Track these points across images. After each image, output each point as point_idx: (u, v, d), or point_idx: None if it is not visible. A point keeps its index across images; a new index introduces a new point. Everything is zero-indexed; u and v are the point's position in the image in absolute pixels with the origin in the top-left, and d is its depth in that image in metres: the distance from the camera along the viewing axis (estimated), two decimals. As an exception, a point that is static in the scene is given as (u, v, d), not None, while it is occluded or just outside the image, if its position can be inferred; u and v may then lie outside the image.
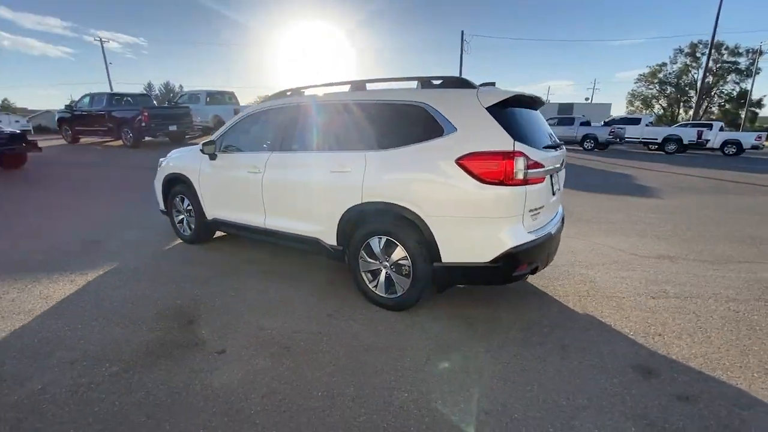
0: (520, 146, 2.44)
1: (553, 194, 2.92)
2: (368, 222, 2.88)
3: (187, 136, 14.85)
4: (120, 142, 13.80)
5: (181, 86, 73.15)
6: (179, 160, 4.35)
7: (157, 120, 12.74)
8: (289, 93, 3.58)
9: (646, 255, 4.17)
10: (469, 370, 2.25)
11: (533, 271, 2.66)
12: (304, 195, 3.23)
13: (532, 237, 2.56)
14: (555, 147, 2.97)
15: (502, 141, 2.44)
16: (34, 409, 1.90)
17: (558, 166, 2.94)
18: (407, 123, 2.77)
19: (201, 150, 3.86)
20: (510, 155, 2.39)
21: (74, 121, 14.02)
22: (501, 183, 2.40)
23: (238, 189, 3.74)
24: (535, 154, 2.52)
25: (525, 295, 3.22)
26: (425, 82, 2.88)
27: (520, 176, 2.41)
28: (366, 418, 1.88)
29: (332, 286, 3.30)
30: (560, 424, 1.86)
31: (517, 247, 2.46)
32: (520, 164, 2.40)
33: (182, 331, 2.60)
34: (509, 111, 2.62)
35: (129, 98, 14.41)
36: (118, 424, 1.81)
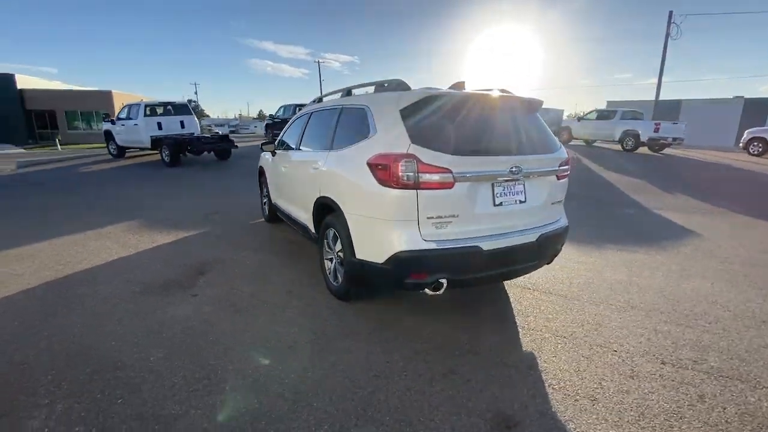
0: (415, 149, 2.35)
1: (496, 204, 2.57)
2: (324, 214, 3.23)
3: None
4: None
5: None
6: (263, 156, 5.59)
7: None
8: (315, 101, 4.21)
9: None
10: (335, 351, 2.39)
11: (436, 287, 2.46)
12: (299, 187, 3.81)
13: (430, 246, 2.40)
14: (512, 153, 2.61)
15: (401, 143, 2.40)
16: (97, 299, 3.16)
17: (508, 174, 2.56)
18: (355, 126, 2.98)
19: (260, 147, 4.94)
20: (399, 158, 2.34)
21: (274, 126, 18.46)
22: (392, 185, 2.38)
23: (276, 179, 4.65)
24: (437, 159, 2.35)
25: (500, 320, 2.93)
26: (379, 86, 3.00)
27: (407, 180, 2.33)
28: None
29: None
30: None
31: (406, 252, 2.38)
32: (407, 167, 2.32)
33: (190, 277, 3.59)
34: (432, 113, 2.52)
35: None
36: (120, 311, 2.85)
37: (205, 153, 12.44)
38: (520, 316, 2.93)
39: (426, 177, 2.34)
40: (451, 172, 2.37)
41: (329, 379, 2.20)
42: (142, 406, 1.98)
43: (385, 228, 2.47)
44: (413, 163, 2.32)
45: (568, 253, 4.05)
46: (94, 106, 28.68)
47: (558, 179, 2.90)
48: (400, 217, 2.40)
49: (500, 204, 2.59)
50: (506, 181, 2.60)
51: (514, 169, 2.56)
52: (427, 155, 2.35)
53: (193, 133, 12.81)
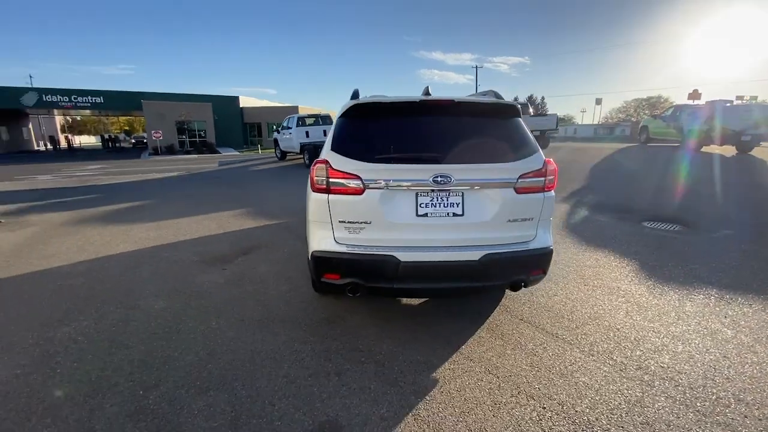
0: (330, 155, 2.47)
1: (419, 215, 2.42)
2: None
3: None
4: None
5: (542, 97, 77.42)
6: None
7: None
8: None
9: None
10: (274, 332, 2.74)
11: (352, 290, 2.49)
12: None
13: (342, 249, 2.46)
14: (443, 161, 2.42)
15: (326, 149, 2.55)
16: (166, 261, 4.36)
17: (432, 183, 2.38)
18: None
19: None
20: (316, 163, 2.49)
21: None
22: (313, 189, 2.55)
23: None
24: (346, 165, 2.40)
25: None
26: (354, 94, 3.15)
27: (319, 184, 2.46)
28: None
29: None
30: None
31: (320, 252, 2.51)
32: (319, 172, 2.45)
33: (234, 255, 4.48)
34: (357, 120, 2.60)
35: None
36: (168, 271, 3.92)
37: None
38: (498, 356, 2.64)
39: (334, 182, 2.43)
40: (359, 178, 2.39)
41: (240, 350, 2.56)
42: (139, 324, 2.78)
43: (310, 228, 2.66)
44: (324, 169, 2.45)
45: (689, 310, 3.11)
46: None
47: (519, 193, 2.48)
48: (318, 218, 2.55)
49: (425, 215, 2.43)
50: (433, 191, 2.42)
51: (439, 179, 2.36)
52: (338, 161, 2.44)
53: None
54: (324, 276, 2.55)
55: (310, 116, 15.23)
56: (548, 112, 26.62)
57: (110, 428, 1.92)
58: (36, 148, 39.00)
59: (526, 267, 2.55)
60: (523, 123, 2.71)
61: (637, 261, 4.08)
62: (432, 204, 2.43)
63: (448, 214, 2.44)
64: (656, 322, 2.87)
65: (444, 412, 2.01)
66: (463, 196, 2.44)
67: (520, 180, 2.47)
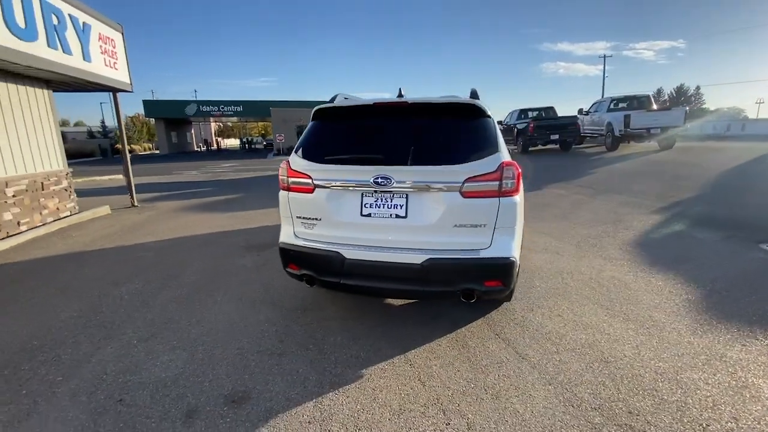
0: (292, 156, 2.67)
1: (363, 215, 2.45)
2: None
3: (574, 145, 15.26)
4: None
5: (697, 87, 63.84)
6: None
7: (540, 130, 14.36)
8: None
9: None
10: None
11: (309, 281, 2.67)
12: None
13: (299, 242, 2.65)
14: (381, 163, 2.43)
15: (293, 149, 2.77)
16: (218, 245, 5.17)
17: (372, 184, 2.40)
18: None
19: None
20: (283, 163, 2.72)
21: (503, 132, 18.51)
22: (280, 186, 2.80)
23: None
24: (303, 165, 2.57)
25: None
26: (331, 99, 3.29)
27: (282, 182, 2.69)
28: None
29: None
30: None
31: (283, 243, 2.75)
32: (282, 172, 2.68)
33: (272, 244, 5.04)
34: (318, 123, 2.75)
35: (536, 112, 16.83)
36: (213, 256, 4.68)
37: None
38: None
39: (292, 181, 2.64)
40: (310, 177, 2.55)
41: (223, 321, 2.97)
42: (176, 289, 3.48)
43: (281, 222, 2.92)
44: (285, 168, 2.68)
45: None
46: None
47: (465, 197, 2.31)
48: (283, 213, 2.78)
49: (369, 215, 2.46)
50: (377, 192, 2.43)
51: (379, 180, 2.37)
52: (295, 162, 2.64)
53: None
54: (287, 266, 2.79)
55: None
56: (704, 105, 21.74)
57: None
58: (195, 149, 48.51)
59: (477, 277, 2.37)
60: (486, 123, 2.51)
61: (705, 288, 3.28)
62: (376, 205, 2.45)
63: (391, 215, 2.43)
64: (672, 362, 2.33)
65: (344, 406, 2.05)
66: (407, 198, 2.40)
67: (466, 183, 2.31)
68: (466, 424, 1.91)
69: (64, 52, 5.82)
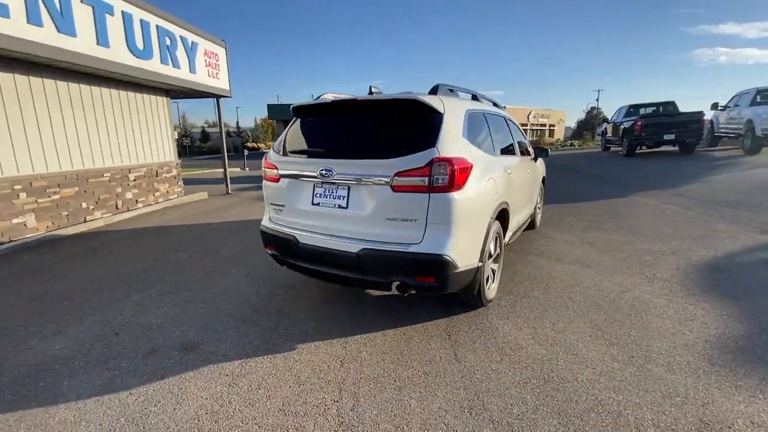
0: (270, 150, 2.98)
1: (314, 204, 2.64)
2: None
3: (697, 146, 12.55)
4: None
5: None
6: None
7: (650, 129, 12.17)
8: None
9: None
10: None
11: (279, 261, 2.95)
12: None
13: (271, 225, 2.95)
14: (332, 156, 2.58)
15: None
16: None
17: (319, 176, 2.56)
18: None
19: None
20: (266, 155, 3.06)
21: (613, 131, 16.13)
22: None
23: None
24: (273, 157, 2.87)
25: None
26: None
27: (263, 173, 3.00)
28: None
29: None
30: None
31: (262, 226, 3.08)
32: (263, 164, 3.00)
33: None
34: (305, 118, 2.97)
35: (650, 107, 14.30)
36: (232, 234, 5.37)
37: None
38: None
39: (266, 171, 2.95)
40: (276, 168, 2.83)
41: (221, 286, 3.47)
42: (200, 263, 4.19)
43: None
44: (263, 160, 3.01)
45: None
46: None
47: (395, 191, 2.32)
48: (265, 200, 3.13)
49: (318, 204, 2.63)
50: (324, 183, 2.58)
51: (323, 172, 2.53)
52: (269, 155, 2.96)
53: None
54: (266, 246, 3.13)
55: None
56: None
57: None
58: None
59: (408, 271, 2.35)
60: (429, 118, 2.47)
61: (754, 330, 2.61)
62: (324, 195, 2.61)
63: (335, 205, 2.57)
64: (627, 397, 1.98)
65: (261, 370, 2.27)
66: (349, 190, 2.51)
67: (396, 178, 2.32)
68: (352, 404, 1.96)
69: (173, 66, 7.26)
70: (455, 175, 2.31)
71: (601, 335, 2.55)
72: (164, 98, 8.26)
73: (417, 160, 2.31)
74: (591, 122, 48.55)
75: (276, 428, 1.83)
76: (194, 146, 44.98)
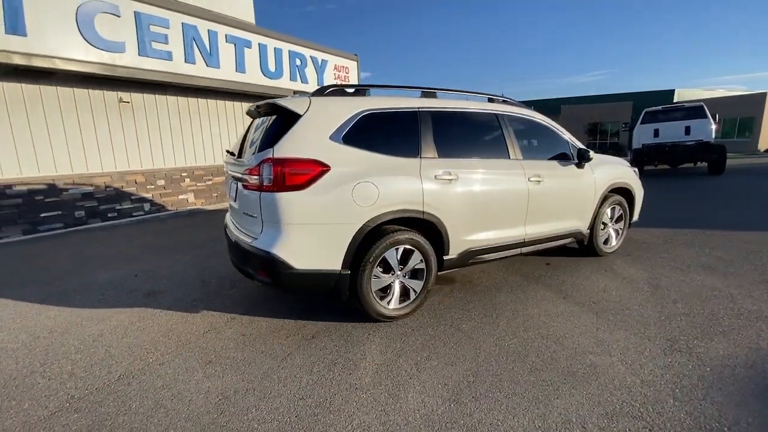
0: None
1: (235, 200, 2.94)
2: None
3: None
4: None
5: None
6: None
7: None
8: None
9: None
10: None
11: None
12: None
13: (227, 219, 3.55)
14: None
15: None
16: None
17: (236, 174, 2.78)
18: None
19: None
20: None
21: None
22: None
23: None
24: (226, 155, 3.43)
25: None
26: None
27: None
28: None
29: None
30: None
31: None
32: None
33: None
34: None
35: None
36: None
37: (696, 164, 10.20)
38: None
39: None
40: (224, 168, 3.40)
41: (224, 269, 4.38)
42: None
43: None
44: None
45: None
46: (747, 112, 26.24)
47: (244, 188, 2.55)
48: None
49: (233, 198, 3.00)
50: (233, 180, 2.93)
51: (231, 170, 2.95)
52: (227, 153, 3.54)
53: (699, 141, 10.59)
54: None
55: (665, 109, 11.34)
56: None
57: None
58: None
59: (252, 264, 2.54)
60: (279, 119, 2.56)
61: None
62: (233, 189, 2.99)
63: (234, 199, 2.96)
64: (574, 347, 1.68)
65: (197, 332, 2.93)
66: (237, 186, 2.82)
67: (243, 175, 2.55)
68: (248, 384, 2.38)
69: (301, 82, 8.91)
70: (284, 176, 2.34)
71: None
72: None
73: (255, 159, 2.46)
74: None
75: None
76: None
